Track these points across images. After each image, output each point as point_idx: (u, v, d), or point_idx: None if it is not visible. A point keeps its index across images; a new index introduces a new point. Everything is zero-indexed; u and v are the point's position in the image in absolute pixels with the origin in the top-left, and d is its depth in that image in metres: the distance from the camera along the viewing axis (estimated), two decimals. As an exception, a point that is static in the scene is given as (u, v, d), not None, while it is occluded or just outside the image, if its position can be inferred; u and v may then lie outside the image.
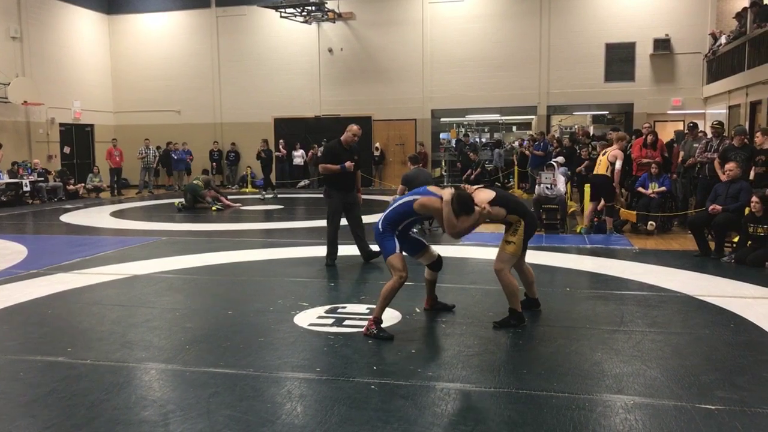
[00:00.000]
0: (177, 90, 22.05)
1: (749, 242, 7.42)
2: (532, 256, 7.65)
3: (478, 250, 8.50)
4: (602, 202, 9.91)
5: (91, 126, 21.65)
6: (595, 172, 9.97)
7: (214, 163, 21.45)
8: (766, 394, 3.74)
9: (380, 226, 4.98)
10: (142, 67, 22.32)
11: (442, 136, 21.97)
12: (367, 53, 20.67)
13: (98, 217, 13.49)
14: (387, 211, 5.03)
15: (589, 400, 3.67)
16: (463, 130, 21.86)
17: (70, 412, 3.56)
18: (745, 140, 8.82)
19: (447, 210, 4.77)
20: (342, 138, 7.61)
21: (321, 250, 8.63)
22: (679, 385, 3.89)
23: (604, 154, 9.76)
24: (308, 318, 5.32)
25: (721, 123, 10.11)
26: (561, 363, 4.32)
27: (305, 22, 20.26)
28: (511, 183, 18.40)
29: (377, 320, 4.86)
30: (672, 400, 3.66)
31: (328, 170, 7.50)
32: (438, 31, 20.03)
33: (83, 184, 18.98)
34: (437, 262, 5.35)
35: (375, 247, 7.16)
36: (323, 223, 11.75)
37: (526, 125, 22.29)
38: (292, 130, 21.22)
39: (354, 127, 7.64)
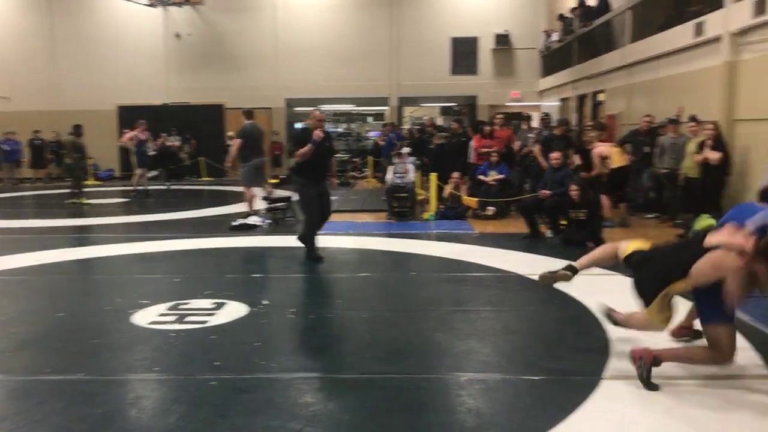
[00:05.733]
0: (4, 74, 20.06)
1: (574, 224, 8.12)
2: (383, 244, 7.90)
3: (329, 239, 8.60)
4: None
5: None
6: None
7: (53, 155, 19.73)
8: (582, 363, 4.11)
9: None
10: (-40, 48, 20.08)
11: (297, 125, 21.85)
12: (218, 39, 20.06)
13: None
14: None
15: (427, 379, 3.85)
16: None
17: None
18: (566, 131, 9.65)
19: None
20: (310, 125, 7.36)
21: (169, 244, 8.31)
22: (508, 360, 4.19)
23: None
24: (148, 316, 5.10)
25: (548, 114, 10.96)
26: (402, 345, 4.49)
27: (150, 5, 19.26)
28: (366, 172, 18.72)
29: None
30: (501, 374, 3.93)
31: (303, 154, 7.02)
32: (291, 19, 19.87)
33: None
34: None
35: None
36: (176, 215, 11.44)
37: (380, 116, 22.74)
38: (138, 118, 20.05)
39: (316, 113, 7.42)
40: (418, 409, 3.44)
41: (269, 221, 9.97)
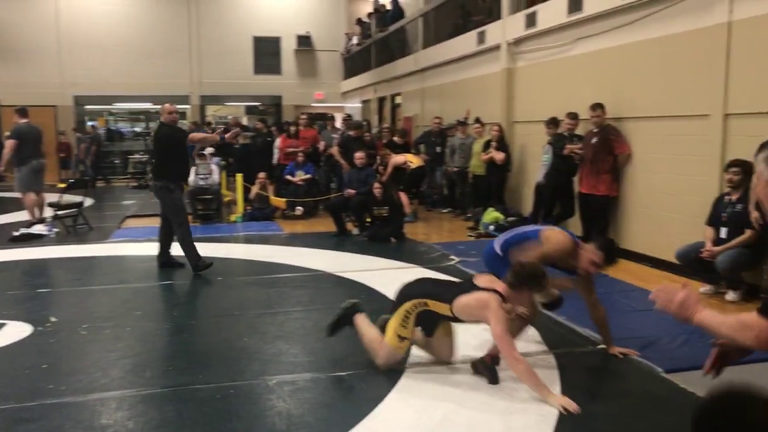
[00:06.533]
0: None
1: (378, 221, 8.46)
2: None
3: (128, 247, 8.09)
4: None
5: None
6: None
7: None
8: (385, 353, 4.29)
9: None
10: None
11: (89, 124, 20.26)
12: (-12, 28, 17.91)
13: None
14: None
15: (234, 386, 3.75)
16: (112, 117, 20.50)
17: None
18: (361, 134, 10.07)
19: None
20: (164, 121, 6.66)
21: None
22: (317, 358, 4.23)
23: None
24: None
25: (350, 116, 11.34)
26: (208, 353, 4.36)
27: None
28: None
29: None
30: (310, 373, 3.95)
31: (207, 139, 7.21)
32: (76, 11, 18.38)
33: None
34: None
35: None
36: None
37: (181, 115, 21.86)
38: None
39: (166, 106, 6.72)
40: (227, 418, 3.35)
41: (57, 230, 9.10)
